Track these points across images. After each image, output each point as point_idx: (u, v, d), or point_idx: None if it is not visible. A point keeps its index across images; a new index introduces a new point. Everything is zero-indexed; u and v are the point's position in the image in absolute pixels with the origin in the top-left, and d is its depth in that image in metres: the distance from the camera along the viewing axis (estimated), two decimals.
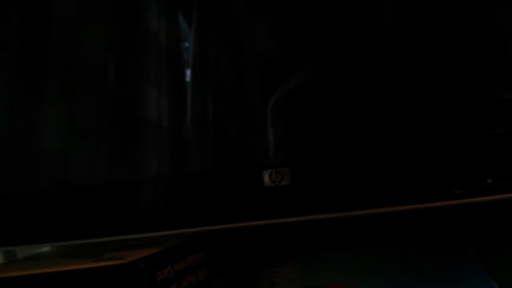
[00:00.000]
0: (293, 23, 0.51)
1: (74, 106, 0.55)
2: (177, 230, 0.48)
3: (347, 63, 0.49)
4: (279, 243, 0.55)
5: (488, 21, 0.46)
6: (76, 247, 0.54)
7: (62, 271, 0.42)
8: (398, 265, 0.48)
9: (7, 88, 0.56)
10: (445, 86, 0.46)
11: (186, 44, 0.54)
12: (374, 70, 0.48)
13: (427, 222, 0.52)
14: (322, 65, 0.50)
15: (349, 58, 0.49)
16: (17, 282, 0.42)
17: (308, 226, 0.52)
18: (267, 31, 0.52)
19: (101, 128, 0.54)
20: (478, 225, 0.51)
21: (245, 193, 0.48)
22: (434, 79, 0.47)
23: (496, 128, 0.44)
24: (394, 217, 0.51)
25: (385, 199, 0.44)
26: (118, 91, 0.54)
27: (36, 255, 0.58)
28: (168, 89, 0.53)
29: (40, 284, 0.42)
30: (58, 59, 0.55)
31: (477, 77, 0.46)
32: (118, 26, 0.55)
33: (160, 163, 0.53)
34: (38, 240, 0.54)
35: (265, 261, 0.53)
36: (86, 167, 0.54)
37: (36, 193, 0.54)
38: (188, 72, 0.53)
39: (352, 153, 0.46)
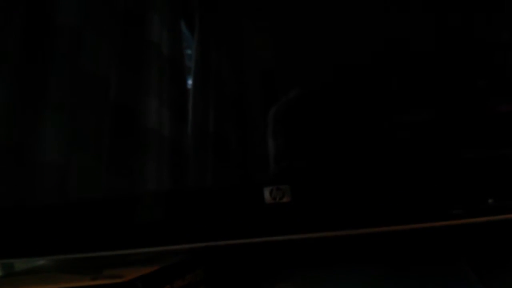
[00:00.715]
0: (294, 34, 0.51)
1: (74, 117, 0.55)
2: (176, 246, 0.48)
3: (350, 77, 0.49)
4: (279, 260, 0.55)
5: (490, 38, 0.46)
6: (74, 262, 0.54)
7: None
8: (397, 283, 0.48)
9: (7, 99, 0.56)
10: (446, 105, 0.46)
11: (189, 52, 0.54)
12: (378, 87, 0.48)
13: (427, 240, 0.52)
14: (324, 76, 0.50)
15: (353, 72, 0.49)
16: None
17: (309, 243, 0.52)
18: (268, 42, 0.52)
19: (101, 140, 0.54)
20: (477, 244, 0.51)
21: (245, 210, 0.47)
22: (435, 97, 0.47)
23: (497, 149, 0.44)
24: (394, 235, 0.51)
25: (385, 218, 0.44)
26: (120, 102, 0.54)
27: (34, 268, 0.58)
28: (169, 101, 0.53)
29: None
30: (60, 69, 0.55)
31: (478, 97, 0.46)
32: (120, 37, 0.55)
33: (160, 177, 0.52)
34: (36, 253, 0.53)
35: (265, 279, 0.53)
36: (85, 181, 0.54)
37: (36, 206, 0.53)
38: (190, 82, 0.53)
39: (353, 172, 0.46)
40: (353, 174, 0.46)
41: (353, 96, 0.49)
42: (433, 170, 0.44)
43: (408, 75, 0.47)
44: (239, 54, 0.52)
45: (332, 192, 0.46)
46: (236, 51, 0.52)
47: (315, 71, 0.50)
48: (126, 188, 0.53)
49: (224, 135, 0.51)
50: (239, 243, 0.47)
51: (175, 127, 0.53)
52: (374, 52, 0.48)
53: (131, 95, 0.54)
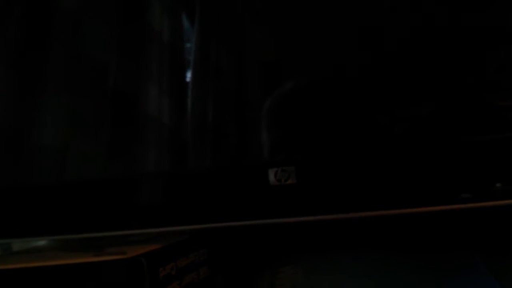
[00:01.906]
0: (294, 27, 0.51)
1: (74, 101, 0.54)
2: (181, 227, 0.48)
3: (352, 66, 0.49)
4: (282, 243, 0.55)
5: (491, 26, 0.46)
6: (76, 242, 0.53)
7: (63, 265, 0.41)
8: (403, 269, 0.47)
9: (8, 83, 0.56)
10: (455, 90, 0.46)
11: (188, 45, 0.54)
12: (381, 70, 0.48)
13: (435, 226, 0.52)
14: (326, 65, 0.50)
15: (356, 60, 0.49)
16: (17, 275, 0.41)
17: (312, 226, 0.51)
18: (268, 34, 0.52)
19: (102, 123, 0.54)
20: (486, 230, 0.50)
21: (249, 192, 0.47)
22: (442, 82, 0.46)
23: (506, 133, 0.43)
24: (400, 220, 0.51)
25: (392, 201, 0.44)
26: (119, 87, 0.54)
27: (32, 248, 0.58)
28: (170, 85, 0.53)
29: (40, 277, 0.41)
30: (59, 54, 0.55)
31: (488, 82, 0.46)
32: (121, 22, 0.55)
33: (164, 159, 0.52)
34: (35, 234, 0.53)
35: (267, 261, 0.53)
36: (87, 162, 0.54)
37: (36, 186, 0.53)
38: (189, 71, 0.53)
39: (360, 154, 0.46)
40: (362, 156, 0.46)
41: (354, 86, 0.49)
42: (441, 154, 0.44)
43: (409, 67, 0.47)
44: (239, 46, 0.52)
45: (339, 174, 0.46)
46: (236, 43, 0.52)
47: (315, 63, 0.50)
48: (127, 170, 0.53)
49: (227, 120, 0.51)
50: (242, 225, 0.47)
51: (176, 112, 0.53)
52: (371, 47, 0.48)
53: (131, 81, 0.54)
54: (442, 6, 0.47)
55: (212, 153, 0.51)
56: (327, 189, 0.46)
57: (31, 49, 0.55)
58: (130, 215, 0.50)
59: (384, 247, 0.52)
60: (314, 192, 0.46)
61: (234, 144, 0.51)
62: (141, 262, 0.39)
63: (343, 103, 0.49)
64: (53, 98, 0.54)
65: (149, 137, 0.52)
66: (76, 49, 0.55)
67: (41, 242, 0.59)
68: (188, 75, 0.53)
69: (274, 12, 0.51)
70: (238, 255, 0.54)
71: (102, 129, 0.54)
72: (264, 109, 0.49)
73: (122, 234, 0.50)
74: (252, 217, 0.47)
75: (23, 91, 0.55)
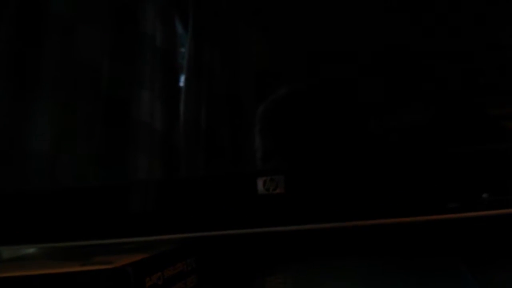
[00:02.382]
0: (287, 33, 0.51)
1: (66, 106, 0.54)
2: (168, 236, 0.48)
3: (346, 72, 0.49)
4: (271, 251, 0.55)
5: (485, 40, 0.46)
6: (63, 250, 0.53)
7: (50, 274, 0.41)
8: (390, 277, 0.47)
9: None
10: (442, 101, 0.46)
11: (182, 50, 0.54)
12: (373, 79, 0.48)
13: (420, 235, 0.52)
14: (317, 73, 0.50)
15: (350, 67, 0.49)
16: (3, 284, 0.41)
17: (301, 235, 0.51)
18: (261, 39, 0.52)
19: (93, 130, 0.54)
20: (471, 239, 0.51)
21: (238, 201, 0.47)
22: (429, 93, 0.47)
23: (493, 143, 0.44)
24: (388, 228, 0.51)
25: (380, 211, 0.44)
26: (112, 93, 0.54)
27: (21, 256, 0.57)
28: (162, 92, 0.53)
29: (27, 286, 0.41)
30: (52, 59, 0.55)
31: (474, 93, 0.46)
32: (114, 27, 0.55)
33: (152, 167, 0.52)
34: (25, 241, 0.53)
35: (256, 270, 0.53)
36: (78, 168, 0.54)
37: (25, 193, 0.53)
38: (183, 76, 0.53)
39: (347, 164, 0.46)
40: (349, 166, 0.46)
41: (346, 92, 0.49)
42: (428, 164, 0.44)
43: (401, 74, 0.47)
44: (232, 51, 0.52)
45: (328, 183, 0.46)
46: (229, 48, 0.52)
47: (308, 70, 0.50)
48: (116, 178, 0.53)
49: (217, 126, 0.51)
50: (231, 234, 0.47)
51: (167, 119, 0.53)
52: (364, 54, 0.48)
53: (124, 86, 0.54)
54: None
55: (202, 160, 0.51)
56: (315, 198, 0.46)
57: (23, 53, 0.55)
58: (118, 224, 0.50)
59: (371, 255, 0.52)
60: (302, 201, 0.46)
61: (224, 151, 0.51)
62: (127, 271, 0.39)
63: (336, 110, 0.49)
64: (44, 103, 0.54)
65: (140, 143, 0.52)
66: (68, 53, 0.55)
67: (30, 250, 0.59)
68: (181, 80, 0.53)
69: (268, 18, 0.52)
70: (227, 263, 0.54)
71: (94, 135, 0.54)
72: (257, 115, 0.49)
73: (110, 243, 0.50)
74: (240, 226, 0.47)
75: (14, 96, 0.55)
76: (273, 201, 0.46)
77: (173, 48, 0.54)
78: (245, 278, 0.51)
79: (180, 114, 0.52)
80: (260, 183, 0.46)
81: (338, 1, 0.49)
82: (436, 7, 0.47)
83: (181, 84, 0.53)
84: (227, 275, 0.53)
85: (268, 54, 0.52)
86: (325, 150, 0.48)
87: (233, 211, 0.47)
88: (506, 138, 0.44)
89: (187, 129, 0.52)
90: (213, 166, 0.51)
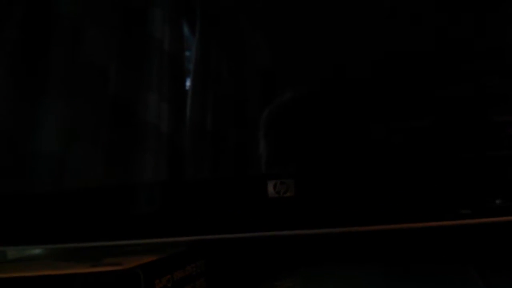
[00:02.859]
0: (294, 38, 0.51)
1: (74, 108, 0.54)
2: (177, 238, 0.47)
3: (353, 76, 0.49)
4: (280, 255, 0.55)
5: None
6: (71, 251, 0.53)
7: (58, 275, 0.41)
8: (400, 282, 0.47)
9: (7, 89, 0.56)
10: (456, 105, 0.46)
11: (188, 53, 0.54)
12: (381, 81, 0.48)
13: (432, 241, 0.52)
14: (325, 76, 0.50)
15: (356, 71, 0.49)
16: (11, 284, 0.41)
17: (311, 239, 0.51)
18: (269, 43, 0.52)
19: (100, 131, 0.54)
20: (483, 246, 0.50)
21: (248, 203, 0.47)
22: (442, 96, 0.46)
23: (507, 149, 0.43)
24: (399, 234, 0.50)
25: (391, 216, 0.44)
26: (119, 95, 0.54)
27: (27, 256, 0.57)
28: (169, 94, 0.53)
29: (36, 287, 0.40)
30: (59, 60, 0.55)
31: (489, 97, 0.46)
32: (122, 30, 0.55)
33: (161, 169, 0.52)
34: (30, 242, 0.53)
35: (265, 274, 0.52)
36: (85, 169, 0.53)
37: (32, 194, 0.53)
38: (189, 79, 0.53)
39: (359, 168, 0.46)
40: (360, 171, 0.46)
41: (354, 96, 0.49)
42: (442, 170, 0.44)
43: (409, 80, 0.47)
44: (239, 55, 0.52)
45: (338, 187, 0.45)
46: (236, 52, 0.52)
47: (314, 74, 0.50)
48: (124, 179, 0.53)
49: (225, 129, 0.51)
50: (240, 237, 0.46)
51: (175, 121, 0.52)
52: (371, 59, 0.48)
53: (131, 88, 0.54)
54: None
55: (211, 162, 0.51)
56: (326, 202, 0.45)
57: (31, 55, 0.55)
58: (127, 225, 0.49)
59: (381, 261, 0.52)
60: (312, 204, 0.46)
61: (233, 153, 0.51)
62: (137, 273, 0.39)
63: (342, 114, 0.48)
64: (51, 105, 0.54)
65: (149, 145, 0.52)
66: (76, 55, 0.55)
67: (36, 251, 0.58)
68: (188, 83, 0.53)
69: (275, 22, 0.52)
70: (236, 267, 0.54)
71: (101, 136, 0.54)
72: (262, 118, 0.49)
73: (118, 244, 0.49)
74: (251, 229, 0.46)
75: (22, 98, 0.55)
76: (284, 204, 0.46)
77: (180, 51, 0.54)
78: (253, 282, 0.51)
79: (188, 116, 0.52)
80: (270, 186, 0.46)
81: (347, 6, 0.49)
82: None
83: (188, 87, 0.53)
84: (235, 278, 0.52)
85: (275, 58, 0.52)
86: (335, 154, 0.48)
87: (244, 214, 0.47)
88: None
89: (195, 132, 0.52)
90: (223, 168, 0.51)
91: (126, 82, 0.54)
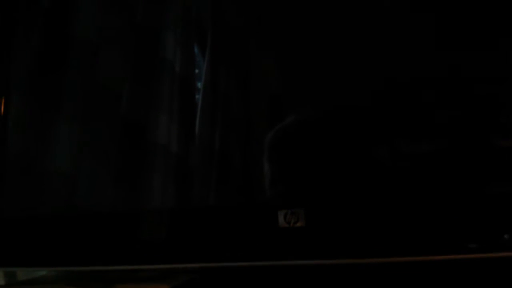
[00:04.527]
0: (300, 61, 0.51)
1: (86, 129, 0.55)
2: (187, 264, 0.48)
3: (358, 101, 0.49)
4: (292, 284, 0.55)
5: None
6: (79, 274, 0.53)
7: None
8: None
9: (22, 109, 0.56)
10: (461, 141, 0.46)
11: (196, 71, 0.55)
12: (387, 107, 0.48)
13: (441, 275, 0.52)
14: (331, 100, 0.50)
15: (362, 96, 0.49)
16: None
17: (318, 270, 0.51)
18: (276, 67, 0.53)
19: (110, 153, 0.54)
20: (492, 281, 0.51)
21: (259, 233, 0.47)
22: (443, 130, 0.47)
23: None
24: (407, 267, 0.51)
25: (399, 249, 0.44)
26: (130, 116, 0.54)
27: (38, 278, 0.58)
28: (180, 114, 0.54)
29: None
30: (74, 82, 0.55)
31: (493, 132, 0.46)
32: (135, 53, 0.56)
33: (168, 195, 0.52)
34: (40, 264, 0.53)
35: None
36: (93, 193, 0.54)
37: (42, 216, 0.53)
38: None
39: (367, 201, 0.46)
40: (369, 204, 0.46)
41: (359, 122, 0.49)
42: (449, 204, 0.44)
43: (411, 108, 0.48)
44: (247, 78, 0.53)
45: (348, 219, 0.46)
46: (244, 75, 0.53)
47: (320, 98, 0.50)
48: (135, 203, 0.53)
49: (235, 150, 0.52)
50: (251, 266, 0.47)
51: (184, 145, 0.53)
52: (373, 89, 0.49)
53: (142, 110, 0.54)
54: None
55: (221, 190, 0.52)
56: (336, 233, 0.46)
57: (46, 76, 0.56)
58: (135, 250, 0.50)
59: None
60: (322, 235, 0.46)
61: (243, 181, 0.51)
62: None
63: (346, 139, 0.49)
64: (65, 126, 0.55)
65: (158, 167, 0.53)
66: (90, 78, 0.55)
67: (44, 273, 0.59)
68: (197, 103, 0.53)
69: (284, 46, 0.52)
70: None
71: (112, 157, 0.54)
72: (266, 141, 0.50)
73: (128, 269, 0.50)
74: (261, 258, 0.47)
75: (35, 118, 0.56)
76: (294, 234, 0.46)
77: (191, 73, 0.55)
78: None
79: (197, 143, 0.53)
80: (281, 216, 0.47)
81: (352, 31, 0.50)
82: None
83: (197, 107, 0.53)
84: None
85: (282, 81, 0.52)
86: (345, 184, 0.48)
87: (255, 243, 0.47)
88: None
89: (205, 160, 0.52)
90: (235, 196, 0.51)
91: (137, 103, 0.54)
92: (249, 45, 0.53)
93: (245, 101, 0.53)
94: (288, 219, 0.46)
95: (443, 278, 0.51)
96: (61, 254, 0.51)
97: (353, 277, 0.52)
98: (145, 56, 0.56)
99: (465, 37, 0.47)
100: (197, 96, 0.54)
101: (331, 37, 0.50)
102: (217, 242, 0.48)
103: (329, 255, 0.45)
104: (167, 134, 0.53)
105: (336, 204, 0.47)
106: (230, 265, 0.47)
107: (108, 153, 0.54)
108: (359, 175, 0.48)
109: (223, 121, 0.52)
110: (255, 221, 0.48)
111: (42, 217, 0.53)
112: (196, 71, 0.55)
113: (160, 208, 0.52)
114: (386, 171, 0.47)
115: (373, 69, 0.49)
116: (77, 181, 0.54)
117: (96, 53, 0.56)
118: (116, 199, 0.53)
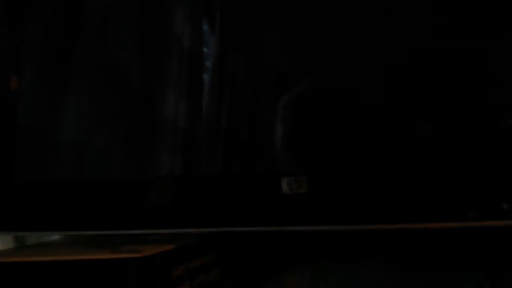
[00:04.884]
0: (308, 38, 0.52)
1: (95, 101, 0.56)
2: (193, 229, 0.49)
3: (367, 74, 0.50)
4: (291, 248, 0.56)
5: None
6: (88, 238, 0.54)
7: (78, 260, 0.42)
8: (407, 282, 0.48)
9: (34, 81, 0.57)
10: (462, 109, 0.47)
11: (205, 49, 0.55)
12: (399, 78, 0.49)
13: (442, 244, 0.52)
14: (339, 74, 0.51)
15: (372, 69, 0.50)
16: (32, 268, 0.42)
17: (322, 235, 0.52)
18: (284, 42, 0.53)
19: (119, 124, 0.55)
20: (490, 249, 0.51)
21: (262, 199, 0.48)
22: (449, 105, 0.47)
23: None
24: (409, 234, 0.51)
25: (401, 216, 0.45)
26: (139, 89, 0.55)
27: (47, 242, 0.59)
28: (187, 89, 0.54)
29: (55, 271, 0.42)
30: (84, 55, 0.56)
31: (492, 102, 0.46)
32: (144, 27, 0.56)
33: (176, 163, 0.53)
34: (49, 228, 0.54)
35: (276, 266, 0.53)
36: (105, 160, 0.55)
37: (52, 182, 0.54)
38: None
39: (371, 168, 0.47)
40: (372, 172, 0.47)
41: (369, 94, 0.50)
42: (450, 172, 0.45)
43: (419, 80, 0.48)
44: (256, 54, 0.53)
45: (351, 186, 0.47)
46: (253, 51, 0.53)
47: (326, 75, 0.51)
48: (142, 171, 0.54)
49: (242, 126, 0.52)
50: (254, 231, 0.48)
51: (191, 117, 0.54)
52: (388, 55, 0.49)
53: (151, 84, 0.55)
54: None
55: (227, 157, 0.52)
56: (338, 200, 0.46)
57: (56, 49, 0.57)
58: (143, 216, 0.51)
59: (389, 260, 0.52)
60: (324, 202, 0.47)
61: (249, 149, 0.52)
62: (155, 261, 0.40)
63: (357, 113, 0.49)
64: (76, 97, 0.56)
65: (166, 138, 0.53)
66: (100, 50, 0.56)
67: (55, 237, 0.60)
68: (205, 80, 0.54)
69: (291, 22, 0.53)
70: (248, 259, 0.55)
71: (121, 129, 0.55)
72: (281, 102, 0.50)
73: (135, 234, 0.50)
74: (264, 223, 0.47)
75: (46, 90, 0.56)
76: (297, 200, 0.47)
77: (199, 49, 0.55)
78: (265, 273, 0.52)
79: (204, 112, 0.53)
80: (284, 183, 0.47)
81: (363, 8, 0.50)
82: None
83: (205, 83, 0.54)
84: (247, 270, 0.54)
85: (290, 57, 0.53)
86: (348, 152, 0.49)
87: (258, 209, 0.48)
88: None
89: (212, 128, 0.53)
90: (240, 164, 0.52)
91: (146, 77, 0.55)
92: (259, 19, 0.54)
93: (254, 74, 0.53)
94: (291, 185, 0.47)
95: (444, 249, 0.52)
96: (71, 219, 0.52)
97: (352, 243, 0.53)
98: (154, 30, 0.56)
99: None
100: (205, 73, 0.55)
101: (345, 11, 0.51)
102: (222, 208, 0.49)
103: (330, 221, 0.46)
104: (175, 106, 0.54)
105: (338, 172, 0.47)
106: (234, 229, 0.48)
107: (117, 124, 0.55)
108: (361, 145, 0.48)
109: (230, 94, 0.53)
110: (259, 187, 0.49)
111: (51, 183, 0.54)
112: (205, 49, 0.56)
113: (166, 175, 0.53)
114: (391, 142, 0.48)
115: (382, 41, 0.49)
116: (86, 150, 0.55)
117: (107, 26, 0.57)
118: (124, 167, 0.54)
